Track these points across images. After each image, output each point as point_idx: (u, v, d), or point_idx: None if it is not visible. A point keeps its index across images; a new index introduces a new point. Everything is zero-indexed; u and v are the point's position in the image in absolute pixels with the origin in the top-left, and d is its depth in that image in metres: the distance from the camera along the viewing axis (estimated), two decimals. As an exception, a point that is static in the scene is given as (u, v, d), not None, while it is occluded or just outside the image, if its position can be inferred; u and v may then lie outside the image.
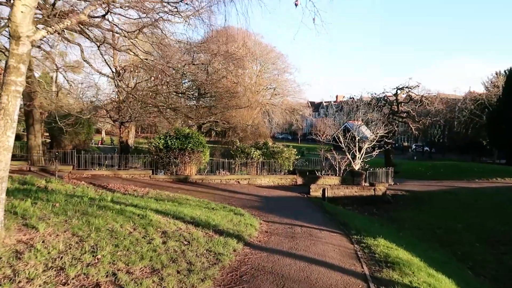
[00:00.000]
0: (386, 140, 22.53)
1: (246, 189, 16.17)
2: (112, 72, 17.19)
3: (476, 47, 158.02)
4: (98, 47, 14.17)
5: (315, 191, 15.98)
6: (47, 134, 35.95)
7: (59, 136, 34.86)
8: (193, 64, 17.07)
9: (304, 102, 67.23)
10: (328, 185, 16.79)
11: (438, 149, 54.98)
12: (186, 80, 18.80)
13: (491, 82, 44.20)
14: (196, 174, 18.10)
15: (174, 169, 17.93)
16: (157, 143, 17.94)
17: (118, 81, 19.72)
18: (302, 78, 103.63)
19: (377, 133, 21.68)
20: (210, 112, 20.93)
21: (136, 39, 16.14)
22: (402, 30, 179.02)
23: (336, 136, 21.36)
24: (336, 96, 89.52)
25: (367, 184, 18.79)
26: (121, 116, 19.26)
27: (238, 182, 18.03)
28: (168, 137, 18.04)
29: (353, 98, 34.49)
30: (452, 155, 49.57)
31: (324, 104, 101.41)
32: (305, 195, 15.74)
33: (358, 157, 21.39)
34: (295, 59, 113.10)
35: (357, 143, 21.47)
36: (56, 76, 32.29)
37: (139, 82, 19.42)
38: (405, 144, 64.76)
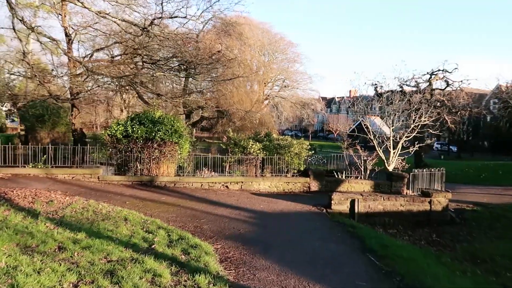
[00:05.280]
0: (432, 131, 16.92)
1: (235, 199, 10.79)
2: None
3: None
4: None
5: (339, 204, 10.48)
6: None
7: (34, 128, 30.65)
8: (163, 18, 11.73)
9: (316, 96, 61.79)
10: (357, 193, 11.27)
11: (463, 148, 48.92)
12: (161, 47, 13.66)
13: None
14: (173, 175, 12.88)
15: (139, 167, 12.69)
16: (113, 131, 12.68)
17: (67, 48, 14.59)
18: (314, 70, 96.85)
19: (419, 122, 16.06)
20: (195, 89, 15.52)
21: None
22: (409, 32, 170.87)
23: (364, 125, 15.80)
24: (350, 91, 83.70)
25: (411, 192, 13.17)
26: (71, 93, 14.06)
27: (227, 186, 12.66)
28: (129, 123, 12.77)
29: (377, 85, 28.58)
30: (480, 154, 43.98)
31: (337, 100, 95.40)
32: (324, 210, 10.28)
33: (393, 155, 15.90)
34: (306, 49, 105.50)
35: (391, 136, 15.99)
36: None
37: (96, 49, 14.15)
38: (428, 141, 58.47)
